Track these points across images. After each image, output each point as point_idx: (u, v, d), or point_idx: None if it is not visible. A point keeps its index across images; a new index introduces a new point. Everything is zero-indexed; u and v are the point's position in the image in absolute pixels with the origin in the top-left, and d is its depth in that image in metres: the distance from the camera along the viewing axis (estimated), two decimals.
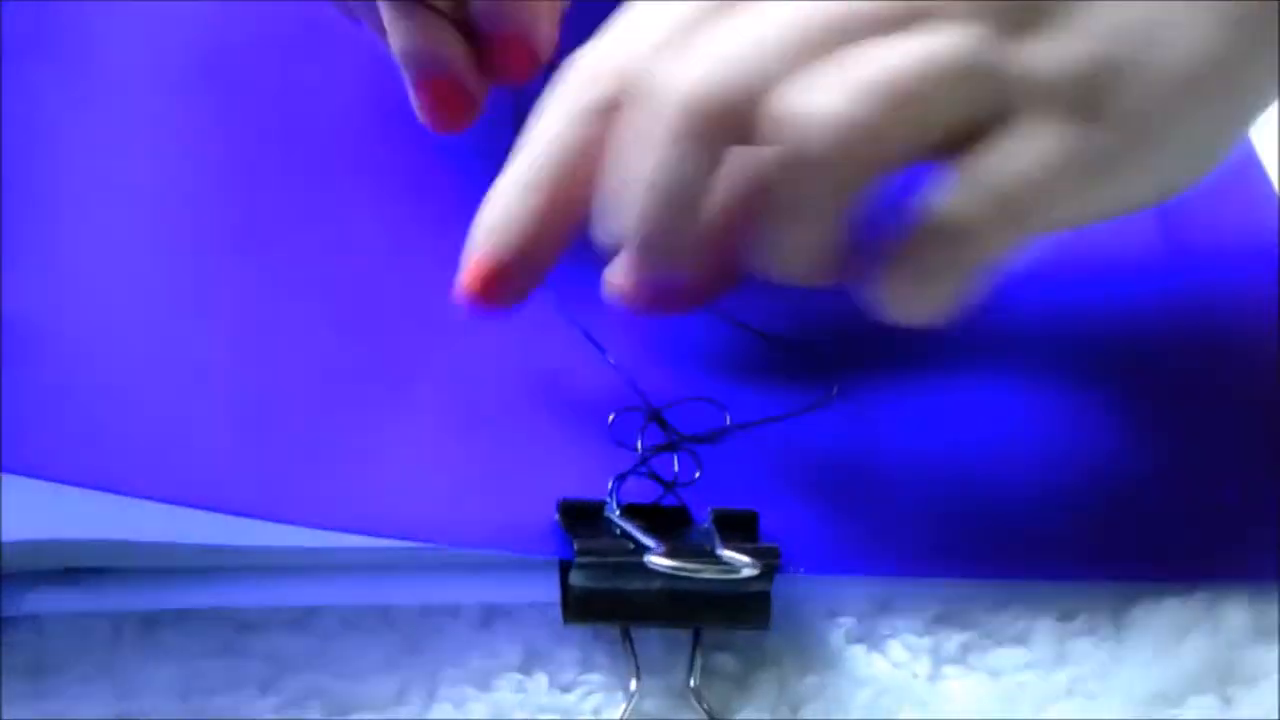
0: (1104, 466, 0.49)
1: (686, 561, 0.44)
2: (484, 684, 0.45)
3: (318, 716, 0.44)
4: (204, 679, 0.45)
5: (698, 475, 0.48)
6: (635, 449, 0.48)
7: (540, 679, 0.45)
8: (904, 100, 0.42)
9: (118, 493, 0.45)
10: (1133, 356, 0.52)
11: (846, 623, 0.46)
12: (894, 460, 0.49)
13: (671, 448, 0.48)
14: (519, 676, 0.45)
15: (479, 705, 0.45)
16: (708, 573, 0.44)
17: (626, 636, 0.45)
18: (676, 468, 0.48)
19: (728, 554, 0.45)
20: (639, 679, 0.45)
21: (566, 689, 0.45)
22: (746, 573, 0.44)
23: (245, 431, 0.48)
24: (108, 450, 0.46)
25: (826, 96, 0.42)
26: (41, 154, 0.54)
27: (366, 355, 0.50)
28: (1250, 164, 0.57)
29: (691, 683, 0.45)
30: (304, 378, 0.49)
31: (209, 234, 0.53)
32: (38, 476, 0.45)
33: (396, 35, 0.51)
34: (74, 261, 0.51)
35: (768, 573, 0.45)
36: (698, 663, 0.45)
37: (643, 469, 0.47)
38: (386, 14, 0.51)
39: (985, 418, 0.50)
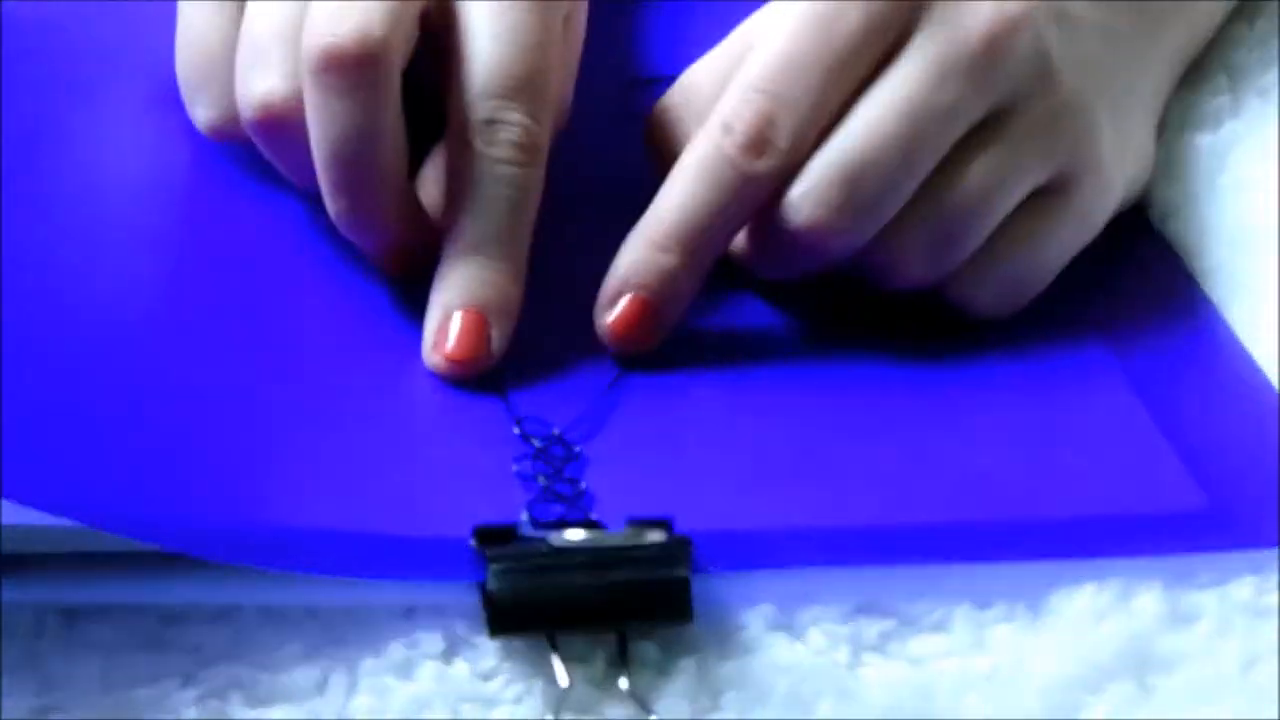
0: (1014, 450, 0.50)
1: (593, 532, 0.46)
2: (405, 673, 0.45)
3: (239, 708, 0.44)
4: (126, 671, 0.45)
5: (584, 486, 0.48)
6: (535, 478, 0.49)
7: (462, 667, 0.45)
8: None
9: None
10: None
11: (767, 611, 0.47)
12: (800, 453, 0.50)
13: (571, 458, 0.49)
14: (440, 665, 0.45)
15: (400, 695, 0.45)
16: (615, 540, 0.45)
17: (553, 645, 0.45)
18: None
19: (631, 527, 0.46)
20: (570, 683, 0.45)
21: (488, 677, 0.45)
22: (653, 537, 0.45)
23: (180, 467, 0.48)
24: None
25: None
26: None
27: (298, 390, 0.51)
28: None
29: (623, 684, 0.45)
30: (227, 415, 0.50)
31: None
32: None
33: None
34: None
35: (682, 555, 0.45)
36: (627, 667, 0.45)
37: (549, 491, 0.48)
38: None
39: (892, 404, 0.51)
